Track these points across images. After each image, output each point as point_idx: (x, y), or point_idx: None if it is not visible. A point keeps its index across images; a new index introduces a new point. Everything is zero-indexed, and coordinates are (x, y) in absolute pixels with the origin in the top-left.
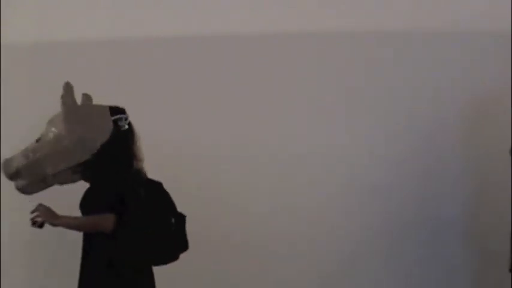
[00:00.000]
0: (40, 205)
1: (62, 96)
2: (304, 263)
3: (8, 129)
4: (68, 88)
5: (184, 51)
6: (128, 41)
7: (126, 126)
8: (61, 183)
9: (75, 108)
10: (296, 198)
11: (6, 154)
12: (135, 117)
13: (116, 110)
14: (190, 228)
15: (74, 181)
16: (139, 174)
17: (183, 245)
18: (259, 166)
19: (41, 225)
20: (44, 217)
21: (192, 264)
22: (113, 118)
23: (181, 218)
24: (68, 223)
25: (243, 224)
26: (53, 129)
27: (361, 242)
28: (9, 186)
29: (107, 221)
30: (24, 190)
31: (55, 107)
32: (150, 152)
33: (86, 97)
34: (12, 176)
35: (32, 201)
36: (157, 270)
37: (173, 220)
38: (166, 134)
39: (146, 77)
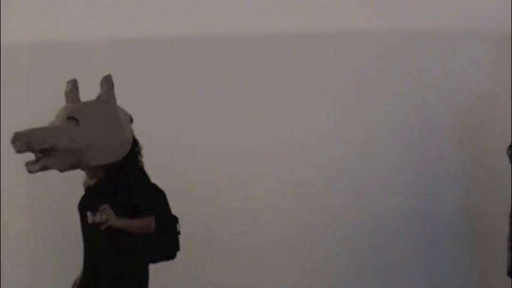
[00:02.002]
0: (106, 206)
1: (105, 92)
2: (303, 263)
3: (8, 129)
4: (110, 83)
5: (184, 51)
6: (128, 41)
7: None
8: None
9: (117, 106)
10: (295, 198)
11: (6, 154)
12: (135, 117)
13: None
14: (189, 228)
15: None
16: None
17: (175, 245)
18: (258, 166)
19: (100, 225)
20: (110, 219)
21: (192, 264)
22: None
23: (175, 220)
24: (124, 225)
25: (243, 224)
26: (101, 118)
27: (358, 241)
28: (9, 183)
29: (150, 223)
30: (47, 167)
31: (55, 107)
32: (150, 152)
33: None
34: (37, 150)
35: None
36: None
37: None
38: (166, 134)
39: (146, 77)
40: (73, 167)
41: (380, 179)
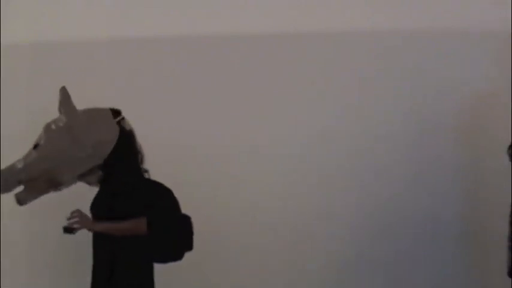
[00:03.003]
0: (76, 211)
1: (61, 104)
2: (302, 264)
3: (8, 129)
4: (65, 94)
5: (184, 51)
6: (128, 41)
7: (131, 126)
8: (69, 186)
9: (77, 116)
10: (294, 198)
11: (6, 154)
12: (135, 117)
13: (116, 112)
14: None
15: (82, 182)
16: (146, 174)
17: (188, 245)
18: (258, 166)
19: (70, 231)
20: (82, 224)
21: (191, 264)
22: (116, 120)
23: (187, 220)
24: (106, 228)
25: (243, 224)
26: (58, 138)
27: (357, 241)
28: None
29: (142, 224)
30: (24, 201)
31: (55, 107)
32: (150, 151)
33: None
34: (11, 188)
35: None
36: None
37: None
38: (166, 134)
39: (146, 77)
40: (56, 186)
41: (380, 179)
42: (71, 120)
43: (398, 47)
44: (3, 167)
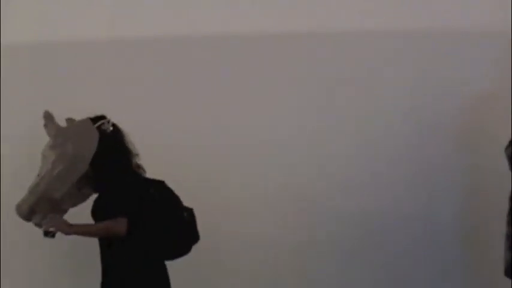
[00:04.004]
0: (51, 215)
1: (45, 127)
2: (302, 265)
3: (8, 129)
4: (48, 117)
5: (184, 51)
6: (128, 41)
7: (111, 128)
8: (74, 203)
9: (59, 133)
10: (295, 198)
11: (6, 154)
12: (135, 117)
13: (97, 118)
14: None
15: (84, 197)
16: (141, 172)
17: (195, 237)
18: (258, 166)
19: (53, 235)
20: (56, 227)
21: (190, 263)
22: (96, 125)
23: (190, 211)
24: (82, 231)
25: (243, 224)
26: (47, 159)
27: (355, 240)
28: (9, 185)
29: (119, 225)
30: (43, 224)
31: (55, 107)
32: (149, 151)
33: (70, 121)
34: (28, 217)
35: None
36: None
37: (185, 214)
38: (165, 134)
39: (146, 76)
40: (57, 209)
41: (380, 179)
42: (54, 140)
43: (398, 47)
44: (3, 166)
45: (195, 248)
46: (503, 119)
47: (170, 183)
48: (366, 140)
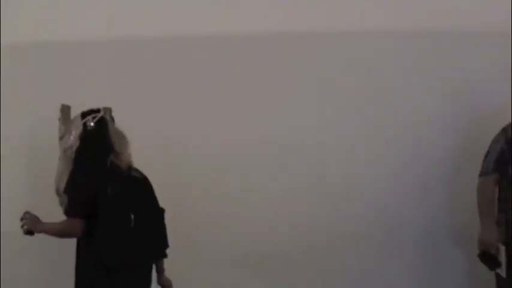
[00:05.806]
0: (26, 213)
1: (59, 120)
2: (302, 268)
3: (8, 129)
4: (65, 111)
5: (184, 51)
6: (128, 41)
7: (92, 125)
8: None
9: (62, 127)
10: (294, 200)
11: (6, 154)
12: (135, 117)
13: (87, 113)
14: (187, 227)
15: None
16: (117, 170)
17: (163, 241)
18: (258, 166)
19: (31, 233)
20: (28, 225)
21: (190, 263)
22: (82, 121)
23: (160, 213)
24: (44, 229)
25: (243, 224)
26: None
27: (352, 242)
28: (9, 185)
29: (72, 226)
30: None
31: (55, 107)
32: (149, 151)
33: (65, 108)
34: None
35: None
36: None
37: (151, 216)
38: (165, 134)
39: (146, 76)
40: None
41: (379, 179)
42: (60, 134)
43: (398, 47)
44: (3, 166)
45: (195, 248)
46: (503, 119)
47: (170, 183)
48: (365, 140)
